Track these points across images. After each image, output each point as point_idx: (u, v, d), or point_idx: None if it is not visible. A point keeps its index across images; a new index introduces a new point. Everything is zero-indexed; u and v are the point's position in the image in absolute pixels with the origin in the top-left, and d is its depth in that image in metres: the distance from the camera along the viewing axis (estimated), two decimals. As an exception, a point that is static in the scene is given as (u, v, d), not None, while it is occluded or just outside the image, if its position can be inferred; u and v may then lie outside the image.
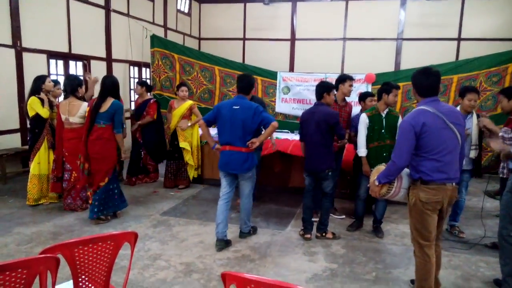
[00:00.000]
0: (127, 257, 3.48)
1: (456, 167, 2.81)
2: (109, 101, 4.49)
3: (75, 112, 4.80)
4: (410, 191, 2.89)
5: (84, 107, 4.80)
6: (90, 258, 2.05)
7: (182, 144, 6.01)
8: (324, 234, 4.31)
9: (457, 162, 2.81)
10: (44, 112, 4.93)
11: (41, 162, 5.04)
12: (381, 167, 3.08)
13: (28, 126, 5.55)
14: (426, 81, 2.82)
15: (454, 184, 2.81)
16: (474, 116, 4.37)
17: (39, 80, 5.07)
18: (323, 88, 4.23)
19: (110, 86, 4.55)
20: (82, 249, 2.01)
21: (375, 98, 4.50)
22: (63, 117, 4.84)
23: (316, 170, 4.21)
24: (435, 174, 2.74)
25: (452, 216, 4.60)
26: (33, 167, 5.02)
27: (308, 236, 4.28)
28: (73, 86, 4.85)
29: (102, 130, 4.47)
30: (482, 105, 7.28)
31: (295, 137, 6.22)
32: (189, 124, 6.05)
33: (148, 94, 6.58)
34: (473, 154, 4.31)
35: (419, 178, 2.79)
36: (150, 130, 6.30)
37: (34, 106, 4.92)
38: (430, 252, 2.87)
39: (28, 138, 5.38)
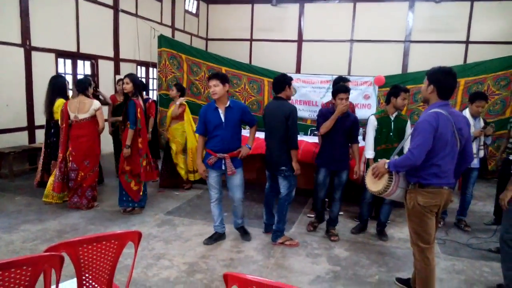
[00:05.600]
0: (131, 256, 3.51)
1: (452, 171, 2.82)
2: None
3: (86, 109, 4.90)
4: (408, 195, 2.88)
5: (96, 104, 4.93)
6: (94, 257, 2.07)
7: (171, 144, 5.97)
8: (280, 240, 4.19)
9: (453, 166, 2.82)
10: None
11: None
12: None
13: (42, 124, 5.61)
14: (451, 82, 2.78)
15: (449, 188, 2.82)
16: (481, 120, 4.74)
17: (61, 79, 5.20)
18: (286, 81, 4.13)
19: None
20: (87, 247, 2.03)
21: (346, 95, 4.18)
22: (71, 115, 4.90)
23: (272, 167, 4.16)
24: (433, 178, 2.74)
25: (459, 211, 4.93)
26: None
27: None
28: (84, 84, 4.98)
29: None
30: (491, 109, 7.23)
31: (305, 138, 6.18)
32: (177, 103, 5.88)
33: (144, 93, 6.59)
34: (481, 153, 4.68)
35: (417, 181, 2.79)
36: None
37: (60, 111, 5.02)
38: (431, 256, 2.87)
39: (52, 137, 5.42)
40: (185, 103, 6.00)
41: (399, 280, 3.42)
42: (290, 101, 4.27)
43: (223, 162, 3.91)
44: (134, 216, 4.85)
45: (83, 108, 4.89)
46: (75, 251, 2.00)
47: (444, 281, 3.48)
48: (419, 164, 2.71)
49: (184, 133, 5.98)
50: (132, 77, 4.85)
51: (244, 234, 4.31)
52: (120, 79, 6.52)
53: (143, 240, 3.83)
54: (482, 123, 4.72)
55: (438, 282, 3.34)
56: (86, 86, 4.98)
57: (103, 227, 4.44)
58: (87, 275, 2.07)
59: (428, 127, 2.67)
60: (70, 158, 4.97)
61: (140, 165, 4.80)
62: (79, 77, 7.41)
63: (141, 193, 4.91)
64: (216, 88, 3.80)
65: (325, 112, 4.31)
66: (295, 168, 4.04)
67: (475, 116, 4.62)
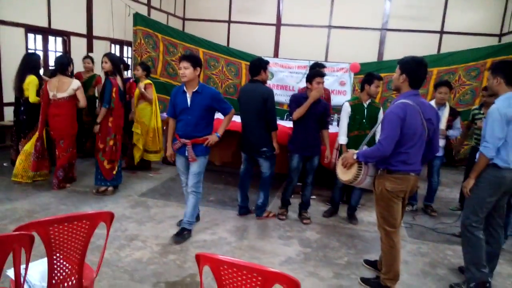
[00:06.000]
0: (103, 236, 3.48)
1: (420, 159, 2.94)
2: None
3: (65, 88, 4.82)
4: (376, 180, 2.99)
5: (75, 83, 4.87)
6: (65, 237, 2.06)
7: (135, 124, 5.85)
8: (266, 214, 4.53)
9: (420, 155, 2.93)
10: (34, 99, 4.92)
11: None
12: (349, 152, 3.15)
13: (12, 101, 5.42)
14: (423, 72, 2.86)
15: (416, 174, 2.95)
16: (446, 108, 4.78)
17: (35, 56, 5.06)
18: (262, 65, 4.25)
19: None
20: (57, 227, 2.00)
21: (322, 80, 4.28)
22: (50, 93, 4.82)
23: (253, 148, 4.29)
24: (400, 165, 2.85)
25: (426, 197, 5.12)
26: (31, 146, 4.92)
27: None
28: (63, 64, 4.90)
29: (122, 108, 4.94)
30: (461, 99, 7.46)
31: (282, 123, 6.21)
32: (142, 88, 5.77)
33: (126, 73, 6.46)
34: (442, 142, 4.77)
35: (385, 168, 2.90)
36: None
37: (30, 88, 4.89)
38: (396, 238, 3.00)
39: (21, 115, 5.21)
40: (151, 83, 5.90)
41: (367, 262, 3.55)
42: (266, 85, 4.36)
43: (186, 147, 3.77)
44: (107, 197, 4.80)
45: (61, 87, 4.81)
46: (46, 230, 1.98)
47: (409, 263, 3.64)
48: (388, 155, 2.81)
49: (150, 113, 5.93)
50: (111, 56, 4.84)
51: (176, 234, 3.79)
52: (86, 57, 6.34)
53: (116, 221, 3.82)
54: (446, 113, 4.76)
55: (404, 264, 3.49)
56: (65, 66, 4.91)
57: (74, 208, 4.38)
58: (58, 254, 2.06)
59: (396, 119, 2.76)
60: (51, 136, 4.96)
61: (107, 143, 4.79)
62: (51, 54, 7.17)
63: (114, 172, 4.87)
64: (186, 71, 3.60)
65: (298, 97, 4.34)
66: (276, 147, 4.24)
67: (439, 104, 4.72)
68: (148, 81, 5.85)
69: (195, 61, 3.65)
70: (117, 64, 4.83)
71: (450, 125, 4.84)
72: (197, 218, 4.18)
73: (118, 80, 4.79)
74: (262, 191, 4.46)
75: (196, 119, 3.73)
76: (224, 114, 3.90)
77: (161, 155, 6.23)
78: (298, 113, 4.21)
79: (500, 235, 3.24)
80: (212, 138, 3.77)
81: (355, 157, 2.97)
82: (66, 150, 4.91)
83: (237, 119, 5.05)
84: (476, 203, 3.07)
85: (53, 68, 5.15)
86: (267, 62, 4.32)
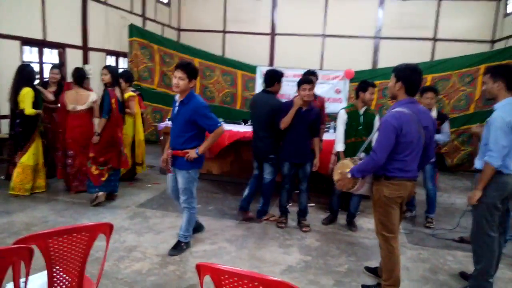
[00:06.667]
0: (102, 248, 3.46)
1: (416, 166, 2.95)
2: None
3: (84, 101, 5.08)
4: (374, 187, 2.99)
5: (93, 96, 5.13)
6: (65, 249, 2.04)
7: None
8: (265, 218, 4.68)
9: (417, 162, 2.94)
10: (30, 111, 4.90)
11: (36, 153, 5.09)
12: (346, 161, 3.16)
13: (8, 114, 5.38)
14: (418, 80, 2.88)
15: (412, 181, 2.96)
16: (433, 113, 4.65)
17: (29, 68, 5.13)
18: (276, 77, 4.42)
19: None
20: (57, 239, 1.99)
21: (309, 86, 4.23)
22: (70, 106, 5.04)
23: (262, 155, 4.47)
24: (398, 172, 2.87)
25: (427, 208, 4.94)
26: (28, 158, 4.97)
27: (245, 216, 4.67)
28: (82, 77, 5.12)
29: (122, 118, 5.11)
30: (455, 105, 7.52)
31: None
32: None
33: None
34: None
35: (382, 174, 2.91)
36: None
37: (26, 100, 4.89)
38: (395, 244, 3.00)
39: (17, 128, 5.11)
40: (135, 94, 5.85)
41: (368, 269, 3.54)
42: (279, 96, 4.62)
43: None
44: (105, 208, 4.78)
45: (81, 99, 5.07)
46: (45, 243, 1.97)
47: (410, 269, 3.63)
48: (382, 164, 2.82)
49: (133, 125, 5.87)
50: (110, 68, 5.02)
51: (173, 247, 3.73)
52: (54, 66, 5.97)
53: (115, 233, 3.78)
54: (433, 115, 4.58)
55: (405, 270, 3.48)
56: (82, 79, 5.13)
57: (73, 220, 4.35)
58: (57, 267, 2.04)
59: (390, 128, 2.77)
60: (67, 147, 5.13)
61: (122, 153, 5.02)
62: (46, 66, 7.17)
63: (102, 179, 4.88)
64: (181, 81, 3.42)
65: (289, 106, 4.33)
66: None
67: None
68: (131, 93, 5.73)
69: (191, 73, 3.46)
70: (116, 76, 4.96)
71: (438, 130, 4.65)
72: (201, 227, 4.19)
73: (117, 92, 4.86)
74: (262, 196, 4.61)
75: (178, 130, 3.57)
76: (209, 132, 3.53)
77: (144, 167, 6.26)
78: (284, 122, 4.23)
79: (500, 240, 3.24)
80: (191, 154, 3.48)
81: (349, 176, 2.97)
82: (87, 159, 5.00)
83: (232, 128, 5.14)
84: (486, 212, 3.04)
85: (45, 80, 5.28)
86: (281, 74, 4.45)
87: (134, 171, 6.08)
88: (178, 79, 3.44)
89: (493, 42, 9.96)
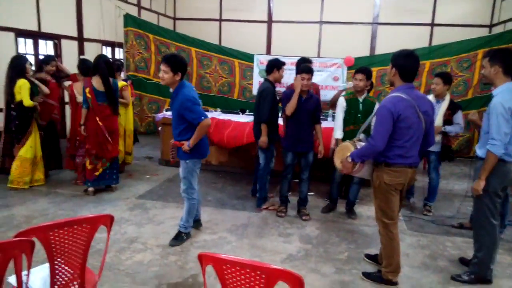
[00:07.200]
0: (103, 240, 3.48)
1: (417, 153, 2.94)
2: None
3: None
4: (374, 173, 3.00)
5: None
6: (66, 241, 2.04)
7: None
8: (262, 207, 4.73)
9: (418, 148, 2.93)
10: (29, 103, 4.86)
11: (33, 146, 5.05)
12: (346, 144, 3.16)
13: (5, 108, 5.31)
14: (412, 65, 2.86)
15: (413, 167, 2.95)
16: (445, 102, 4.52)
17: (21, 60, 5.03)
18: (275, 64, 4.49)
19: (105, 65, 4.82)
20: (58, 232, 1.99)
21: (309, 76, 4.23)
22: (79, 98, 5.12)
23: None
24: (398, 158, 2.87)
25: (426, 196, 4.88)
26: (26, 151, 4.96)
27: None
28: (87, 69, 5.06)
29: (108, 108, 4.85)
30: (454, 90, 7.49)
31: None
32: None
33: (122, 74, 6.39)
34: (438, 137, 4.44)
35: (383, 161, 2.91)
36: None
37: (23, 91, 4.84)
38: (395, 230, 3.02)
39: (14, 121, 5.08)
40: (127, 84, 5.86)
41: (368, 256, 3.56)
42: (279, 84, 4.72)
43: None
44: (105, 200, 4.78)
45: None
46: (46, 236, 1.96)
47: (410, 256, 3.65)
48: (382, 149, 2.83)
49: (125, 114, 5.87)
50: (81, 59, 5.19)
51: (173, 238, 3.76)
52: (52, 58, 5.78)
53: (115, 224, 3.78)
54: (444, 107, 4.50)
55: (404, 256, 3.50)
56: (89, 70, 5.04)
57: (73, 212, 4.35)
58: (59, 259, 2.05)
59: (387, 113, 2.77)
60: (79, 138, 5.19)
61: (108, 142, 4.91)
62: (41, 57, 7.09)
63: (96, 174, 4.88)
64: (165, 75, 3.41)
65: (288, 94, 4.35)
66: (261, 140, 4.43)
67: (438, 97, 4.54)
68: (123, 82, 5.75)
69: (175, 65, 3.40)
70: (87, 66, 5.05)
71: (450, 120, 4.53)
72: (199, 223, 4.11)
73: (94, 81, 4.76)
74: (258, 183, 4.75)
75: (174, 123, 3.62)
76: (195, 125, 3.47)
77: (132, 157, 6.31)
78: (290, 107, 4.22)
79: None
80: (184, 146, 3.52)
81: (350, 160, 2.97)
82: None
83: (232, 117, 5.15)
84: (488, 200, 3.04)
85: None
86: (281, 62, 4.51)
87: (124, 161, 6.06)
88: (163, 72, 3.43)
89: (491, 26, 9.88)
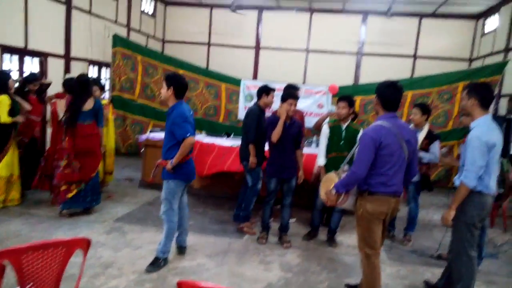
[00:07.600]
0: (76, 264, 3.34)
1: (400, 181, 2.97)
2: (91, 100, 4.83)
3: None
4: (358, 202, 3.02)
5: (90, 104, 4.84)
6: (39, 265, 1.98)
7: None
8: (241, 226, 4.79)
9: (401, 177, 2.97)
10: (6, 119, 4.76)
11: (10, 163, 4.93)
12: (331, 175, 3.18)
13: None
14: (393, 95, 2.93)
15: (396, 197, 2.97)
16: (423, 132, 4.64)
17: (4, 75, 4.96)
18: (264, 89, 4.66)
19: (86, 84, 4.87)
20: (31, 255, 1.93)
21: (295, 102, 4.33)
22: (61, 114, 5.03)
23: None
24: (381, 187, 2.89)
25: (406, 226, 4.89)
26: (1, 169, 4.82)
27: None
28: (72, 87, 4.97)
29: (89, 127, 4.79)
30: (434, 122, 7.66)
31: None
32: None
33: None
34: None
35: (366, 189, 2.93)
36: None
37: (1, 107, 4.74)
38: (377, 261, 3.01)
39: None
40: (107, 102, 5.91)
41: (348, 286, 3.53)
42: (268, 109, 4.85)
43: None
44: (81, 222, 4.65)
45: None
46: (18, 259, 1.90)
47: (389, 286, 3.64)
48: (363, 177, 2.86)
49: (106, 133, 5.78)
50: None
51: (150, 264, 3.65)
52: (38, 77, 5.83)
53: (91, 248, 3.67)
54: (421, 136, 4.58)
55: (384, 287, 3.48)
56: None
57: (47, 234, 4.22)
58: (31, 283, 1.97)
59: (369, 140, 2.83)
60: (57, 156, 5.08)
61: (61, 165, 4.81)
62: (25, 74, 7.02)
63: (68, 195, 4.73)
64: (162, 90, 3.62)
65: (272, 120, 4.38)
66: (250, 161, 4.52)
67: (416, 126, 4.65)
68: (104, 100, 5.83)
69: (169, 81, 3.57)
70: (71, 84, 4.99)
71: (427, 150, 4.62)
72: (182, 250, 4.02)
73: (59, 101, 5.11)
74: (244, 202, 4.77)
75: (165, 141, 3.68)
76: (179, 141, 3.52)
77: (112, 177, 6.26)
78: (276, 133, 4.24)
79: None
80: (168, 165, 3.55)
81: (334, 192, 2.99)
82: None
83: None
84: (467, 231, 3.07)
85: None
86: (271, 89, 4.65)
87: (104, 180, 5.94)
88: (162, 88, 3.62)
89: (470, 60, 10.27)
